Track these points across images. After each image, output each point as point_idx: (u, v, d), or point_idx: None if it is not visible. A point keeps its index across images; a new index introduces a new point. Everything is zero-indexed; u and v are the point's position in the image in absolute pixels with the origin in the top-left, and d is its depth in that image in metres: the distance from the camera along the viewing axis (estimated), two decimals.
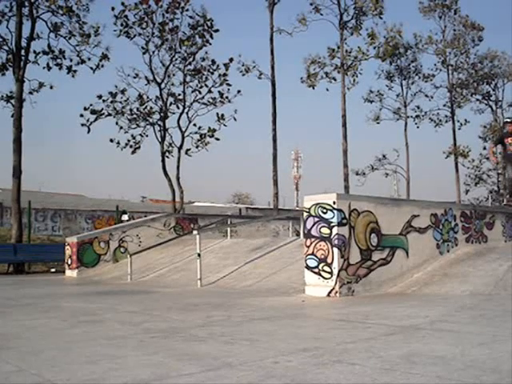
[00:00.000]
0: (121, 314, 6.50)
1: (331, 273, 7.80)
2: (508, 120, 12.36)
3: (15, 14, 20.10)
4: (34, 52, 21.16)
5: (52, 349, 4.33)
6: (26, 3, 20.25)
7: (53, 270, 18.01)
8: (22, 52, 20.16)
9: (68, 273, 14.83)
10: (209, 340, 4.61)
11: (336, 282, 7.75)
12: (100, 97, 22.69)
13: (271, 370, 3.44)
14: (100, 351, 4.18)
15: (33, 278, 14.87)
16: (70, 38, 21.68)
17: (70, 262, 14.80)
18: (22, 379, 3.33)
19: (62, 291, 10.72)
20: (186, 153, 23.33)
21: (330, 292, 7.79)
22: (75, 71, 22.09)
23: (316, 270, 7.97)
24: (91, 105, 22.60)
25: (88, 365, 3.70)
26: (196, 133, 23.51)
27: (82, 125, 22.55)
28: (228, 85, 23.81)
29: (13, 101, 20.26)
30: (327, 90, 29.96)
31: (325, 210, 7.94)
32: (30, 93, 21.15)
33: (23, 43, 20.24)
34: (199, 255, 10.48)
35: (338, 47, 28.78)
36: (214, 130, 23.54)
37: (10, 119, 20.05)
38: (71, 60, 21.94)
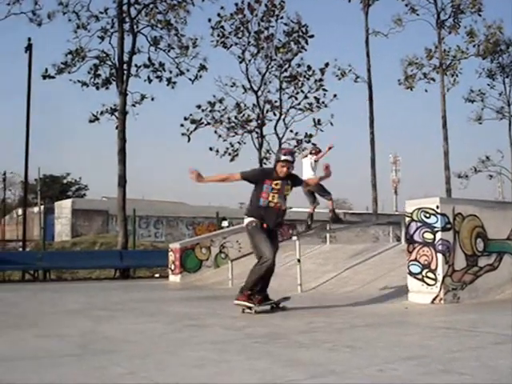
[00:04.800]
0: (223, 319, 6.61)
1: (435, 279, 7.58)
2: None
3: (117, 30, 21.06)
4: (136, 66, 22.05)
5: (159, 352, 4.47)
6: (127, 19, 21.16)
7: (157, 275, 18.59)
8: (125, 66, 21.03)
9: (171, 278, 15.23)
10: (311, 346, 4.61)
11: (440, 289, 7.53)
12: (199, 106, 23.30)
13: (376, 378, 3.40)
14: (205, 356, 4.27)
15: (138, 283, 15.40)
16: (169, 51, 22.49)
17: (173, 268, 15.21)
18: (134, 382, 3.46)
19: (166, 296, 11.04)
20: None
21: (434, 299, 7.58)
22: (175, 83, 22.84)
23: (419, 277, 7.78)
24: (191, 114, 23.26)
25: (194, 369, 3.79)
26: (293, 139, 23.68)
27: (183, 134, 23.24)
28: (324, 90, 23.82)
29: (117, 113, 21.16)
30: (426, 91, 29.26)
31: (428, 215, 7.74)
32: (133, 105, 22.03)
33: (125, 58, 21.13)
34: (299, 261, 10.48)
35: (436, 47, 28.05)
36: (311, 136, 23.64)
37: (114, 131, 20.97)
38: (171, 72, 22.75)
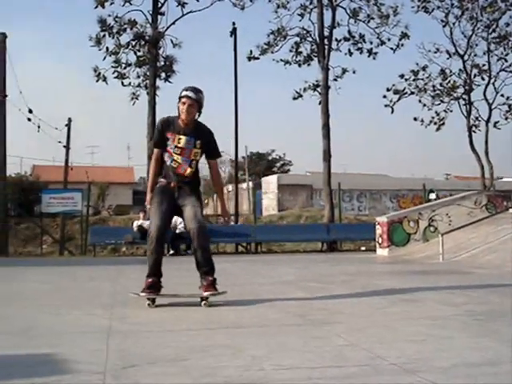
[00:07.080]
0: (439, 294, 6.48)
1: None
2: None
3: (316, 5, 21.22)
4: (336, 39, 22.03)
5: (377, 326, 4.53)
6: None
7: (363, 248, 18.71)
8: (325, 41, 21.17)
9: (379, 251, 15.22)
10: None
11: None
12: (402, 76, 22.80)
13: None
14: (423, 331, 4.25)
15: (345, 256, 15.60)
16: (368, 22, 22.13)
17: (380, 241, 15.18)
18: (355, 353, 3.55)
19: (376, 269, 11.09)
20: (495, 126, 22.18)
21: None
22: (376, 53, 22.46)
23: None
24: (393, 85, 22.83)
25: (413, 344, 3.80)
26: (504, 104, 22.23)
27: (386, 106, 22.91)
28: None
29: (319, 89, 21.44)
30: None
31: None
32: (335, 79, 22.10)
33: (325, 32, 21.26)
34: None
35: None
36: None
37: (317, 107, 21.30)
38: (371, 43, 22.36)
